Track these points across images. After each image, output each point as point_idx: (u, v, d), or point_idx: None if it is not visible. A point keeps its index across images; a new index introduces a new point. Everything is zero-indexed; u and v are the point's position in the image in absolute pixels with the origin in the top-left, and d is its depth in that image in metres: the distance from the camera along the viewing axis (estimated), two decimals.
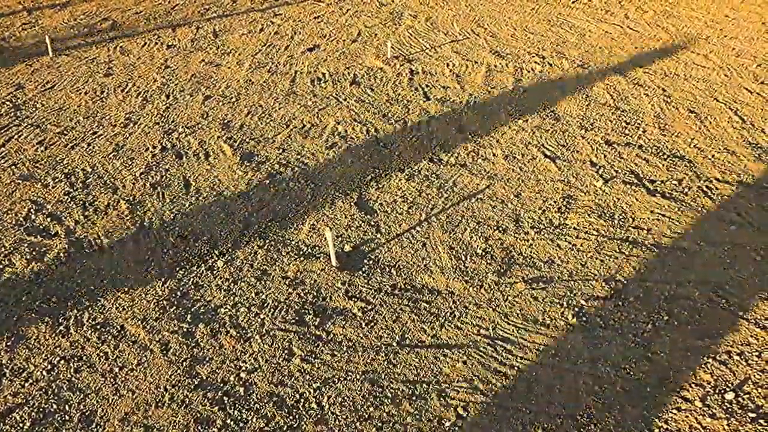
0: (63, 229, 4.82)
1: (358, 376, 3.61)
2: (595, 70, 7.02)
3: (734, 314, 3.93)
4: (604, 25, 8.22)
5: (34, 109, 6.61)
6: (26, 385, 3.61)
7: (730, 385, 3.49)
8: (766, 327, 3.83)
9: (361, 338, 3.85)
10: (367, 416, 3.38)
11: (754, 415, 3.32)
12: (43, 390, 3.57)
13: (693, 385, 3.49)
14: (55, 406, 3.48)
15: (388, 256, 4.48)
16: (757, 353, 3.67)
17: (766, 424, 3.27)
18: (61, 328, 3.97)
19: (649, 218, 4.75)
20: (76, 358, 3.76)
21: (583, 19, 8.47)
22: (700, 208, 4.84)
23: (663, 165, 5.35)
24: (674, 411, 3.35)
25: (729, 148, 5.56)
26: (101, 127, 6.22)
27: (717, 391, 3.45)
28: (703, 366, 3.60)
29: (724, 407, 3.36)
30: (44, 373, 3.68)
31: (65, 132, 6.15)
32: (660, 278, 4.21)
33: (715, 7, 8.74)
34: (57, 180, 5.41)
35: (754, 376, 3.54)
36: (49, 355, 3.79)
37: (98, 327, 3.97)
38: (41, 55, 7.89)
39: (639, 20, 8.38)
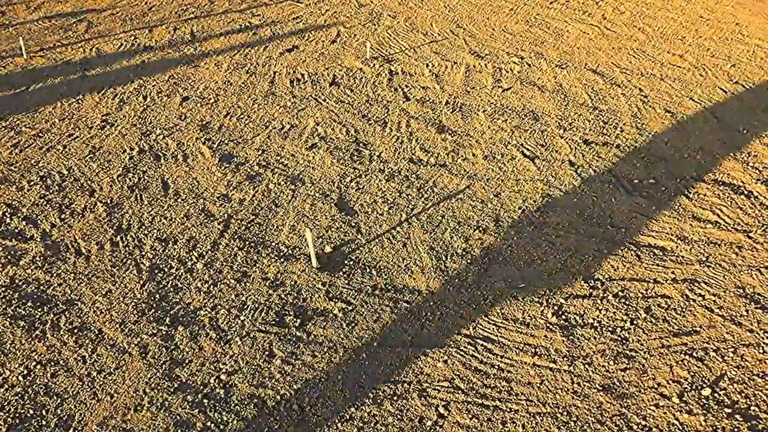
0: (39, 233, 4.76)
1: (339, 377, 3.60)
2: (573, 70, 7.08)
3: (710, 311, 3.98)
4: (582, 26, 8.29)
5: (7, 111, 6.52)
6: (2, 390, 3.56)
7: (706, 381, 3.53)
8: (742, 323, 3.88)
9: (342, 339, 3.84)
10: (348, 417, 3.38)
11: (730, 410, 3.36)
12: (19, 395, 3.53)
13: (670, 382, 3.53)
14: (31, 411, 3.44)
15: (368, 257, 4.48)
16: (732, 349, 3.72)
17: (741, 419, 3.31)
18: (37, 332, 3.92)
19: (627, 217, 4.80)
20: (52, 363, 3.72)
21: (561, 19, 8.53)
22: (676, 207, 4.90)
23: (640, 164, 5.41)
24: (652, 407, 3.39)
25: (705, 147, 5.64)
26: (77, 129, 6.15)
27: (694, 388, 3.50)
28: (680, 362, 3.64)
29: (701, 403, 3.41)
30: (20, 378, 3.63)
31: (40, 134, 6.08)
32: (638, 276, 4.26)
33: (690, 8, 8.85)
34: (32, 183, 5.34)
35: (730, 372, 3.58)
36: (25, 360, 3.74)
37: (75, 331, 3.93)
38: (15, 56, 7.78)
39: (616, 21, 8.46)
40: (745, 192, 5.04)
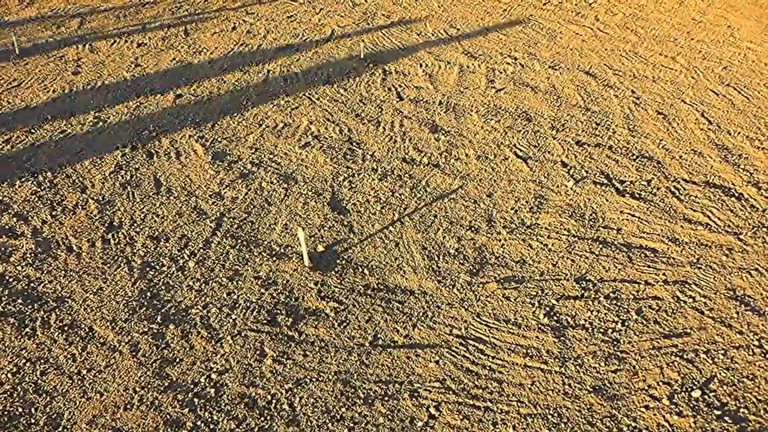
0: (29, 229, 4.73)
1: (330, 377, 3.60)
2: (566, 71, 7.09)
3: (701, 313, 4.00)
4: (575, 27, 8.31)
5: None
6: None
7: (696, 382, 3.55)
8: (732, 325, 3.90)
9: (334, 338, 3.84)
10: (339, 417, 3.38)
11: (719, 412, 3.38)
12: (8, 393, 3.50)
13: (661, 383, 3.54)
14: (20, 409, 3.42)
15: (361, 256, 4.47)
16: (722, 351, 3.73)
17: (731, 421, 3.33)
18: (27, 329, 3.90)
19: (618, 218, 4.82)
20: (42, 360, 3.70)
21: (554, 20, 8.55)
22: (668, 209, 4.92)
23: (632, 165, 5.43)
24: (642, 409, 3.40)
25: (696, 149, 5.66)
26: (69, 126, 6.12)
27: (684, 389, 3.51)
28: (670, 364, 3.65)
29: (691, 405, 3.42)
30: (9, 375, 3.61)
31: (32, 131, 6.04)
32: (629, 277, 4.27)
33: (682, 11, 8.89)
34: (23, 179, 5.31)
35: (720, 373, 3.60)
36: (14, 358, 3.72)
37: (65, 328, 3.91)
38: (8, 52, 7.74)
39: (609, 22, 8.49)
40: (736, 194, 5.06)
